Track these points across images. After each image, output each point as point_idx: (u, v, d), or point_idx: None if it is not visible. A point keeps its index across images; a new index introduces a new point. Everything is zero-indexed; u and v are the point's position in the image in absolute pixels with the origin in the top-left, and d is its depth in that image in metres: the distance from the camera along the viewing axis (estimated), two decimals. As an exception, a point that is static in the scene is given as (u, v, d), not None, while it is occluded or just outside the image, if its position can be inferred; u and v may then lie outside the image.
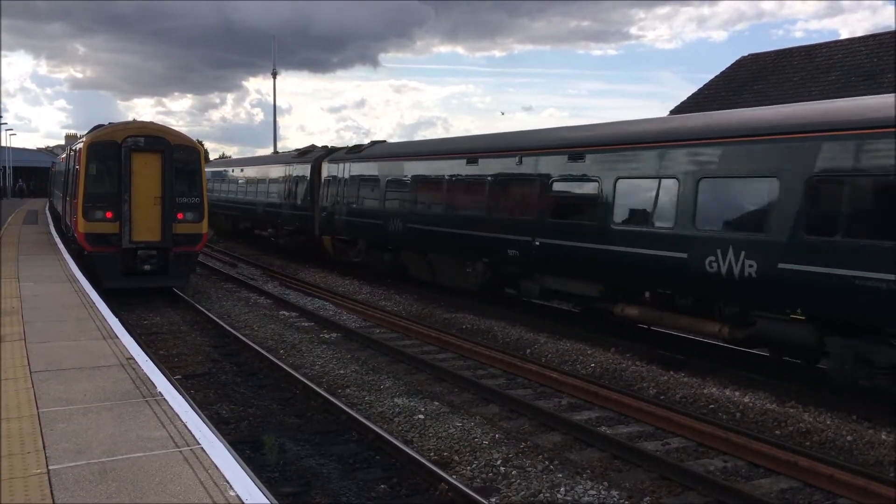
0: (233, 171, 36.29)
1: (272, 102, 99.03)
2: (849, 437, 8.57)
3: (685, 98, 27.62)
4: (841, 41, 26.91)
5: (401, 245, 19.27)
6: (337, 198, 22.49)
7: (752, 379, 10.92)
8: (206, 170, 38.17)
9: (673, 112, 26.54)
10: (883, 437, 8.49)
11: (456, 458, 8.10)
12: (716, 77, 28.52)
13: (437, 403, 10.02)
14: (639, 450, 8.21)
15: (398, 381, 11.26)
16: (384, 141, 23.02)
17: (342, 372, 11.65)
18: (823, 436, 8.71)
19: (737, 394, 10.19)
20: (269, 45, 61.44)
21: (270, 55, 58.87)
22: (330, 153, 24.72)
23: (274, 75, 63.07)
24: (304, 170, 25.57)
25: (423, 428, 9.01)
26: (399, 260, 19.77)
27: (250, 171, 32.78)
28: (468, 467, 7.83)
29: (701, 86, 28.73)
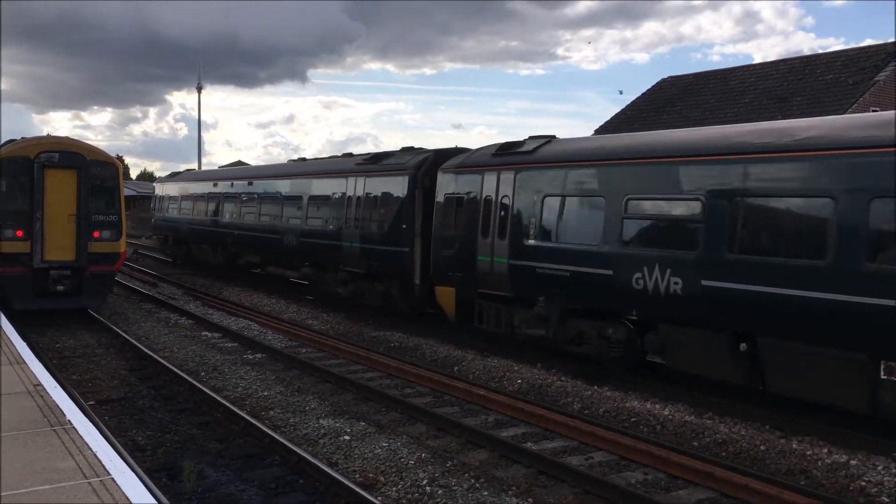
0: (231, 184, 26.31)
1: (197, 117, 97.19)
2: (762, 447, 8.88)
3: (609, 118, 28.45)
4: (754, 65, 28.31)
5: (673, 317, 10.79)
6: (480, 230, 14.22)
7: (672, 392, 11.21)
8: (180, 184, 34.45)
9: (598, 132, 27.19)
10: (794, 445, 8.83)
11: (382, 478, 8.01)
12: (638, 98, 29.47)
13: (363, 423, 9.92)
14: (563, 465, 8.30)
15: (324, 401, 11.09)
16: (553, 136, 14.18)
17: (266, 394, 11.41)
18: (738, 446, 9.00)
19: (657, 406, 10.44)
20: (193, 59, 60.49)
21: (195, 69, 57.71)
22: (445, 156, 16.25)
23: (199, 90, 62.03)
24: (396, 184, 17.15)
25: (349, 449, 8.89)
26: (654, 342, 11.27)
27: (267, 185, 23.84)
28: (394, 488, 7.76)
29: (624, 106, 29.62)
